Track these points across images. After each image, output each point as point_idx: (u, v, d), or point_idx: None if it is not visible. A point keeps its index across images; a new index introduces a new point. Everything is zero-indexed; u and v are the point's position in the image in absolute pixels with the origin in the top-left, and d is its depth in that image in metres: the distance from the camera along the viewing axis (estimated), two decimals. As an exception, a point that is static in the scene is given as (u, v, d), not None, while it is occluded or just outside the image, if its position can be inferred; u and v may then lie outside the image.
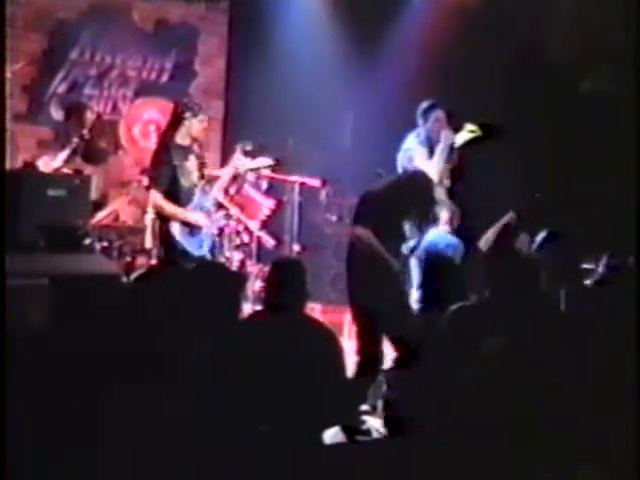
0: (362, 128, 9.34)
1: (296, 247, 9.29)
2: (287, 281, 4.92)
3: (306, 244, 9.46)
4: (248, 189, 9.29)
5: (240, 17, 10.20)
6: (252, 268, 9.18)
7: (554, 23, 8.79)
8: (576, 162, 8.72)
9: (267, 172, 9.24)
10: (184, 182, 7.36)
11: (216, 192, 7.62)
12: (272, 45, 9.84)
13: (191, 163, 7.46)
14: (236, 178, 8.83)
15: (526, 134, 8.71)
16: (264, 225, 9.46)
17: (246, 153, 8.10)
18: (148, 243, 8.42)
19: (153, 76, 10.39)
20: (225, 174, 7.77)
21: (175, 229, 7.29)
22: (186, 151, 7.41)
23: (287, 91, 9.69)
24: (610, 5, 8.48)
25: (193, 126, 7.40)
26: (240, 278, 5.72)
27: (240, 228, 9.12)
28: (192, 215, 7.35)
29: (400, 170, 7.61)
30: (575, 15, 8.64)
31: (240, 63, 10.18)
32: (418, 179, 7.03)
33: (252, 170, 8.97)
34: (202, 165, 7.56)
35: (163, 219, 7.36)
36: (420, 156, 7.71)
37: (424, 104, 7.90)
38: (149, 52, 10.35)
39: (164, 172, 7.27)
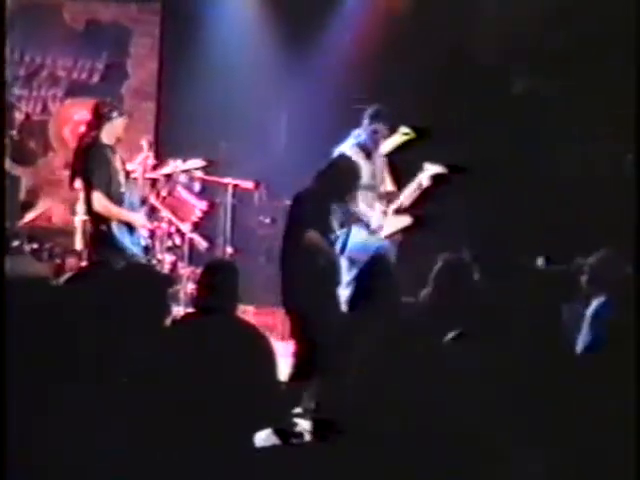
0: (296, 129, 9.37)
1: (229, 249, 9.31)
2: (219, 283, 4.96)
3: (239, 246, 9.46)
4: (180, 191, 9.19)
5: (172, 18, 10.15)
6: (184, 270, 9.14)
7: (482, 24, 8.91)
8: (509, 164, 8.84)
9: (200, 174, 9.23)
10: (114, 181, 7.38)
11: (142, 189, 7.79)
12: (204, 46, 9.80)
13: (117, 162, 7.48)
14: (168, 179, 8.85)
15: (457, 135, 8.83)
16: (196, 227, 9.36)
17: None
18: (78, 244, 8.37)
19: (84, 76, 10.29)
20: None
21: (115, 228, 7.31)
22: (112, 151, 7.42)
23: (220, 92, 9.67)
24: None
25: (118, 125, 7.43)
26: (167, 280, 5.72)
27: (172, 230, 9.06)
28: (133, 215, 7.42)
29: None
30: (504, 15, 8.75)
31: (172, 64, 10.13)
32: (341, 163, 7.06)
33: (184, 171, 9.00)
34: (125, 164, 7.61)
35: (100, 219, 7.32)
36: (355, 155, 7.70)
37: (372, 109, 7.91)
38: (80, 52, 10.25)
39: (103, 173, 7.28)
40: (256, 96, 9.57)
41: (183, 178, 9.18)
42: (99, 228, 7.41)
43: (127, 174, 7.61)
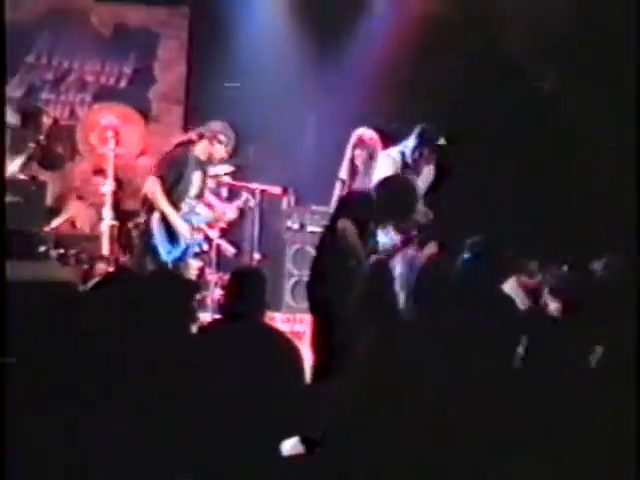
0: (325, 135, 9.33)
1: (256, 255, 9.32)
2: (246, 290, 4.89)
3: (267, 252, 9.46)
4: (208, 196, 9.08)
5: (200, 21, 10.14)
6: (211, 276, 9.12)
7: (512, 26, 8.91)
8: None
9: (227, 179, 9.27)
10: (180, 189, 7.66)
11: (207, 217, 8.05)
12: (232, 50, 9.78)
13: (196, 178, 7.77)
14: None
15: (486, 138, 8.82)
16: (224, 233, 9.30)
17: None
18: (105, 250, 8.46)
19: (112, 81, 10.26)
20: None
21: (155, 227, 7.54)
22: (200, 164, 7.78)
23: (248, 96, 9.66)
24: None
25: (218, 152, 7.92)
26: (194, 286, 5.76)
27: (201, 235, 8.95)
28: (180, 222, 7.63)
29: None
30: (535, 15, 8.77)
31: (200, 68, 10.11)
32: (405, 183, 7.04)
33: (212, 177, 8.91)
34: (204, 186, 7.94)
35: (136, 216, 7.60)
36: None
37: (423, 127, 7.87)
38: (108, 57, 10.24)
39: (173, 170, 7.61)
40: (284, 100, 9.51)
41: (211, 183, 9.05)
42: (131, 230, 7.79)
43: (201, 194, 7.88)
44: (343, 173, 8.70)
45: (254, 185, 9.29)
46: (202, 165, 7.89)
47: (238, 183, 9.30)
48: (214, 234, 9.08)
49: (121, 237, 8.69)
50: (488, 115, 8.96)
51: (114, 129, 9.06)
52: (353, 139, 8.65)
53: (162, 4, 10.11)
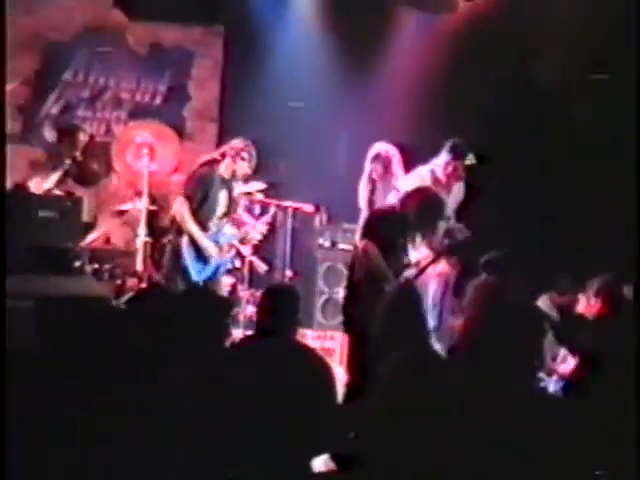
0: (357, 153, 9.27)
1: (288, 272, 9.33)
2: (279, 307, 4.90)
3: (298, 269, 9.48)
4: (241, 213, 9.26)
5: (235, 41, 10.21)
6: (243, 293, 9.16)
7: (546, 50, 8.90)
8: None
9: (260, 196, 9.35)
10: (207, 208, 7.77)
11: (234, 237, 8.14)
12: (266, 68, 9.84)
13: (222, 197, 7.87)
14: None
15: (519, 162, 8.81)
16: (256, 250, 9.40)
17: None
18: (139, 266, 8.52)
19: (147, 99, 10.34)
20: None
21: (185, 247, 7.65)
22: (225, 183, 7.89)
23: (281, 114, 9.71)
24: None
25: (241, 169, 8.00)
26: (227, 303, 5.69)
27: (232, 252, 8.96)
28: (208, 242, 7.71)
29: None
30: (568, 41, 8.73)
31: (234, 86, 10.17)
32: (431, 197, 7.02)
33: (245, 194, 9.16)
34: (231, 204, 8.03)
35: (169, 234, 7.76)
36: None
37: (454, 142, 7.96)
38: (143, 74, 10.31)
39: (199, 190, 7.73)
40: (317, 117, 9.60)
41: (244, 200, 9.27)
42: (165, 246, 7.75)
43: (227, 212, 7.99)
44: (363, 188, 8.69)
45: (286, 203, 9.35)
46: (227, 183, 7.96)
47: (270, 201, 9.38)
48: (246, 251, 9.14)
49: (154, 253, 8.74)
50: (518, 132, 8.99)
51: (149, 146, 9.10)
52: (371, 153, 8.63)
53: (197, 23, 10.19)
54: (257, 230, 9.41)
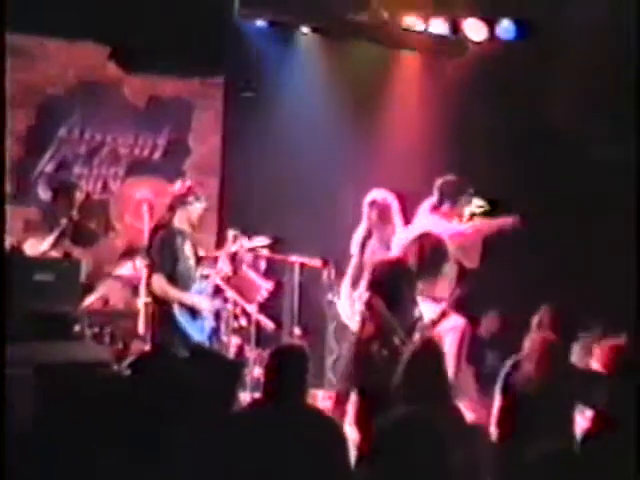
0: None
1: (297, 330, 9.30)
2: (288, 368, 4.93)
3: (307, 327, 9.45)
4: (246, 270, 9.21)
5: (235, 91, 10.29)
6: (250, 353, 9.12)
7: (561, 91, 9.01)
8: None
9: (265, 252, 9.30)
10: (182, 267, 7.70)
11: (215, 278, 8.06)
12: (268, 120, 9.92)
13: (188, 248, 7.79)
14: (234, 259, 8.92)
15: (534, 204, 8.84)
16: (263, 308, 9.33)
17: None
18: (141, 328, 8.47)
19: (145, 153, 10.38)
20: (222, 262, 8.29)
21: (177, 313, 7.60)
22: (183, 236, 7.73)
23: (285, 167, 9.82)
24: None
25: (195, 211, 7.79)
26: (236, 367, 5.70)
27: (238, 311, 9.07)
28: (195, 298, 7.72)
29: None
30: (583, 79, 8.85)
31: (235, 139, 10.26)
32: (438, 243, 7.11)
33: (249, 250, 9.06)
34: (197, 250, 7.93)
35: (162, 303, 7.66)
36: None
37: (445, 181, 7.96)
38: (141, 128, 10.36)
39: (167, 255, 7.64)
40: (323, 170, 9.72)
41: (248, 257, 9.23)
42: (162, 311, 7.68)
43: (199, 260, 7.92)
44: (357, 234, 8.66)
45: (293, 257, 9.34)
46: (185, 235, 7.83)
47: (276, 256, 9.35)
48: (253, 309, 9.09)
49: (156, 315, 8.50)
50: (531, 178, 9.13)
51: (149, 203, 9.08)
52: (367, 200, 8.64)
53: (196, 75, 10.26)
54: (264, 288, 9.31)
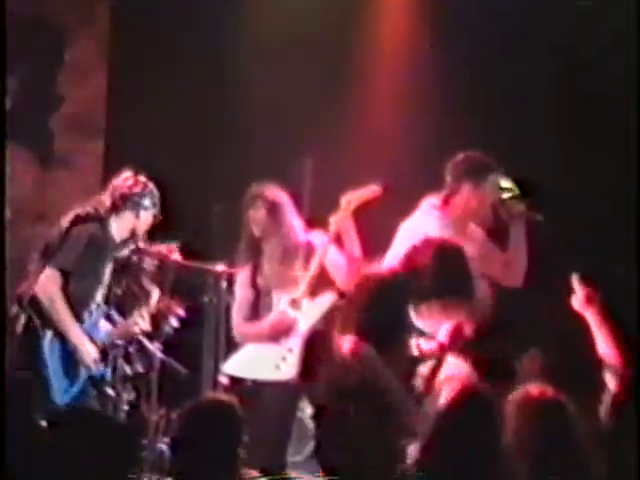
0: (322, 179, 8.91)
1: (223, 379, 8.03)
2: (210, 440, 4.52)
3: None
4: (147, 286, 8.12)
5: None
6: (150, 414, 8.00)
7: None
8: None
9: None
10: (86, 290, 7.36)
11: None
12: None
13: (107, 271, 7.45)
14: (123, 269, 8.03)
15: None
16: (171, 345, 8.21)
17: None
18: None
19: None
20: None
21: (46, 347, 7.19)
22: (109, 251, 7.45)
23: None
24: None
25: (145, 223, 7.51)
26: (128, 437, 4.83)
27: (131, 349, 7.94)
28: (88, 346, 7.27)
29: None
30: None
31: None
32: (450, 252, 6.48)
33: (150, 255, 7.95)
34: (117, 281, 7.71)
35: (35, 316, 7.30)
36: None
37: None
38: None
39: (84, 261, 7.29)
40: (278, 138, 9.49)
41: (150, 266, 8.12)
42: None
43: (109, 294, 7.56)
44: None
45: (219, 267, 8.19)
46: (115, 249, 7.49)
47: (191, 264, 8.16)
48: (155, 347, 8.07)
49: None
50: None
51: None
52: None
53: None
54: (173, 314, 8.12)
